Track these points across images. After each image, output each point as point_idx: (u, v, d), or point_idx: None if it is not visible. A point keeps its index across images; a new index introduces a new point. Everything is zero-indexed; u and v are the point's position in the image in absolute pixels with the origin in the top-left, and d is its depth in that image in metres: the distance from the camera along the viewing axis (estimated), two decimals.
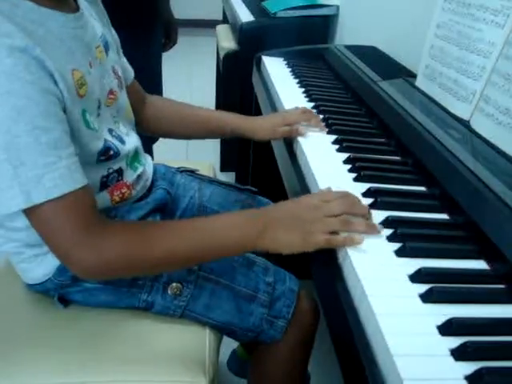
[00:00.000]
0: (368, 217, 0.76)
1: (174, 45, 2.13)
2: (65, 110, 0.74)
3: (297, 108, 1.15)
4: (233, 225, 0.80)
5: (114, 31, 1.03)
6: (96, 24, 0.92)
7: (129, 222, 0.90)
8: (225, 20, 2.98)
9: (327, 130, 1.09)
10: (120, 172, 0.92)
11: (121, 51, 1.06)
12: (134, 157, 0.97)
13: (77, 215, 0.72)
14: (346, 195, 0.78)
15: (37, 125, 0.68)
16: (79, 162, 0.74)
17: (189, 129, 1.19)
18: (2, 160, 0.67)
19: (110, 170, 0.89)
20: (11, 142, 0.67)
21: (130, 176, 0.94)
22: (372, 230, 0.73)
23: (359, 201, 0.78)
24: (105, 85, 0.90)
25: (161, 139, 2.02)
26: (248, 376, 1.10)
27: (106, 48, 0.93)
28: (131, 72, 1.11)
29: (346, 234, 0.72)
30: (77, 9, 0.84)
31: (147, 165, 1.04)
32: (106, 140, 0.87)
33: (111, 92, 0.92)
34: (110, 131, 0.90)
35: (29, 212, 0.71)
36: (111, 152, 0.87)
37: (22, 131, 0.67)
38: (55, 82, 0.72)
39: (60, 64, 0.73)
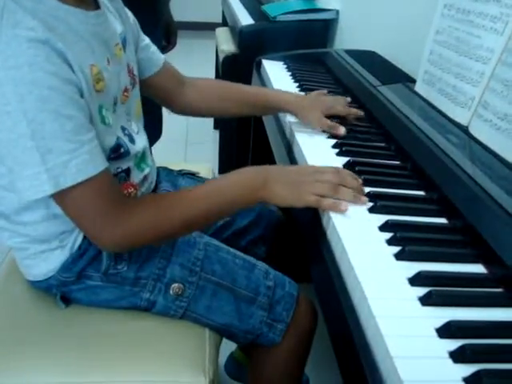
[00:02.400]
0: (359, 190, 0.83)
1: (173, 47, 2.14)
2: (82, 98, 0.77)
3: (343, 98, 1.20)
4: (239, 182, 0.87)
5: (132, 18, 1.04)
6: (116, 22, 0.94)
7: (148, 196, 0.96)
8: (224, 23, 2.99)
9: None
10: (128, 172, 0.93)
11: (142, 37, 1.08)
12: (142, 157, 0.99)
13: (102, 195, 0.77)
14: (340, 169, 0.86)
15: (61, 113, 0.71)
16: (99, 146, 0.78)
17: (242, 107, 1.22)
18: (30, 147, 0.70)
19: (119, 170, 0.91)
20: (37, 130, 0.69)
21: (136, 176, 0.96)
22: (357, 200, 0.80)
23: (355, 177, 0.84)
24: (121, 82, 0.92)
25: (160, 141, 2.04)
26: (246, 378, 1.11)
27: (124, 45, 0.95)
28: (159, 60, 1.12)
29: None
30: (97, 7, 0.86)
31: (153, 167, 1.05)
32: (118, 137, 0.89)
33: (126, 89, 0.94)
34: (123, 129, 0.92)
35: (58, 197, 0.75)
36: (122, 150, 0.89)
37: (47, 120, 0.70)
38: (74, 73, 0.75)
39: (79, 58, 0.76)
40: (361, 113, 1.15)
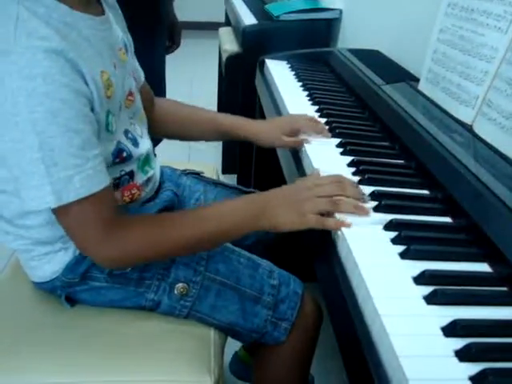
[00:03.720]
0: (362, 199, 0.81)
1: (177, 47, 2.14)
2: (92, 111, 0.77)
3: (304, 115, 1.16)
4: (233, 210, 0.85)
5: (128, 34, 1.04)
6: (116, 27, 0.94)
7: (145, 215, 0.94)
8: (227, 22, 2.98)
9: (331, 134, 1.09)
10: (131, 175, 0.93)
11: (132, 51, 1.07)
12: (146, 160, 0.99)
13: (102, 212, 0.77)
14: (339, 179, 0.84)
15: (70, 127, 0.71)
16: (103, 162, 0.78)
17: (194, 131, 1.21)
18: (36, 159, 0.70)
19: (123, 173, 0.91)
20: (45, 143, 0.70)
21: (140, 178, 0.96)
22: (360, 210, 0.78)
23: (354, 184, 0.84)
24: (125, 86, 0.92)
25: (164, 141, 2.04)
26: (251, 378, 1.11)
27: (126, 50, 0.96)
28: (141, 73, 1.12)
29: (339, 216, 0.77)
30: (102, 12, 0.87)
31: (156, 168, 1.05)
32: (119, 142, 0.88)
33: (130, 93, 0.94)
34: (126, 133, 0.92)
35: (57, 210, 0.75)
36: (124, 154, 0.89)
37: (56, 132, 0.70)
38: (86, 84, 0.75)
39: (90, 66, 0.76)
40: (326, 132, 1.09)
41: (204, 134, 1.22)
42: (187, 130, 1.21)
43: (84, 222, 0.76)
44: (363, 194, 0.83)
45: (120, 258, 0.81)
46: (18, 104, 0.68)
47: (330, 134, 1.09)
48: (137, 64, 1.10)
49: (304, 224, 0.79)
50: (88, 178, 0.73)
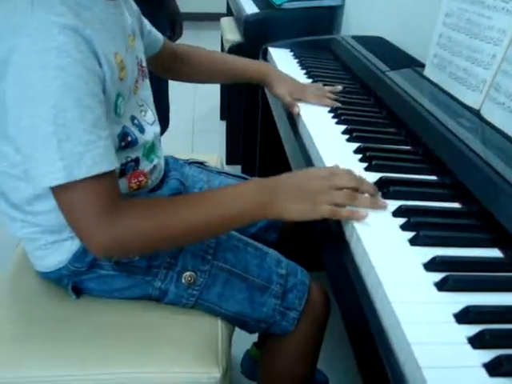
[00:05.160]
0: (375, 195, 0.77)
1: (179, 38, 2.12)
2: (104, 93, 0.77)
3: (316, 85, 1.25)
4: (241, 194, 0.80)
5: (136, 7, 1.05)
6: (126, 13, 0.93)
7: (143, 199, 0.91)
8: (229, 13, 2.97)
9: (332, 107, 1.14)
10: (137, 161, 0.92)
11: (145, 22, 1.10)
12: (151, 148, 0.97)
13: (104, 195, 0.74)
14: (354, 173, 0.79)
15: (83, 103, 0.70)
16: (112, 145, 0.76)
17: (217, 74, 1.31)
18: (49, 133, 0.69)
19: (128, 159, 0.90)
20: (58, 116, 0.69)
21: (146, 166, 0.95)
22: (377, 206, 0.75)
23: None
24: (134, 72, 0.92)
25: (167, 132, 2.03)
26: (259, 368, 1.10)
27: (135, 37, 0.95)
28: (159, 36, 1.17)
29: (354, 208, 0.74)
30: None
31: (161, 157, 1.04)
32: (125, 126, 0.88)
33: (136, 80, 0.93)
34: (133, 119, 0.91)
35: (60, 187, 0.72)
36: (129, 138, 0.88)
37: (70, 106, 0.69)
38: (100, 64, 0.75)
39: (105, 46, 0.76)
40: (334, 103, 1.16)
41: (224, 76, 1.36)
42: (208, 73, 1.29)
43: (84, 204, 0.73)
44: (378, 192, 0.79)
45: (115, 243, 0.75)
46: (33, 79, 0.68)
47: (335, 104, 1.15)
48: (153, 32, 1.13)
49: (316, 214, 0.75)
50: (99, 157, 0.72)
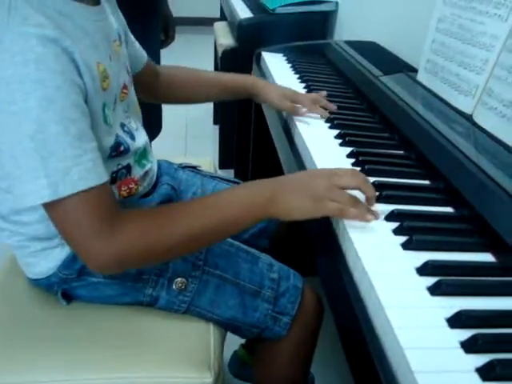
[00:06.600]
0: (373, 198, 0.76)
1: (172, 41, 2.12)
2: (86, 104, 0.74)
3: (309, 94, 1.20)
4: (242, 196, 0.79)
5: (120, 14, 1.02)
6: (112, 18, 0.92)
7: (140, 211, 0.86)
8: (222, 17, 2.97)
9: (327, 117, 1.12)
10: (128, 168, 0.91)
11: (130, 35, 1.06)
12: (143, 154, 0.97)
13: (97, 210, 0.71)
14: (356, 172, 0.78)
15: (66, 115, 0.68)
16: (101, 158, 0.74)
17: (203, 92, 1.24)
18: (31, 149, 0.66)
19: (120, 166, 0.89)
20: (40, 131, 0.66)
21: (137, 172, 0.94)
22: (375, 216, 0.73)
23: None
24: (120, 79, 0.90)
25: (160, 136, 2.03)
26: (251, 376, 1.10)
27: (121, 42, 0.94)
28: (144, 53, 1.13)
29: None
30: (98, 2, 0.84)
31: (154, 162, 1.03)
32: (117, 135, 0.86)
33: (125, 86, 0.92)
34: (122, 126, 0.90)
35: (50, 204, 0.70)
36: (122, 148, 0.87)
37: (51, 120, 0.67)
38: (80, 75, 0.72)
39: (86, 56, 0.74)
40: (326, 114, 1.13)
41: (209, 95, 1.28)
42: (199, 92, 1.24)
43: (78, 219, 0.71)
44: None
45: (113, 259, 0.73)
46: (12, 92, 0.66)
47: (327, 115, 1.12)
48: (137, 47, 1.10)
49: (320, 211, 0.73)
50: (87, 171, 0.69)
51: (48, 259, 0.88)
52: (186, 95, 1.24)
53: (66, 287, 0.91)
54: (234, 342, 1.03)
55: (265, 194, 0.76)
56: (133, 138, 0.93)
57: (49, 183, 0.67)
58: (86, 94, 0.74)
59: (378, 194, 0.79)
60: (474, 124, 0.94)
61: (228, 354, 1.43)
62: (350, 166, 0.90)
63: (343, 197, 0.73)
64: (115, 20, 0.94)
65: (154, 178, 1.03)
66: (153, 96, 1.21)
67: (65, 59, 0.69)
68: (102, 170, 0.73)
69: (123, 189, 0.90)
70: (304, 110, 1.12)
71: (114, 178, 0.88)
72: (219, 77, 1.26)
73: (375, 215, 0.73)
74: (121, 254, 0.73)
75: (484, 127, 0.92)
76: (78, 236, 0.72)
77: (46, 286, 0.92)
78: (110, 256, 0.73)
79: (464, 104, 0.99)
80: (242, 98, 1.25)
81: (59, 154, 0.67)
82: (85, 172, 0.69)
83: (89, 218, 0.71)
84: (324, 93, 1.19)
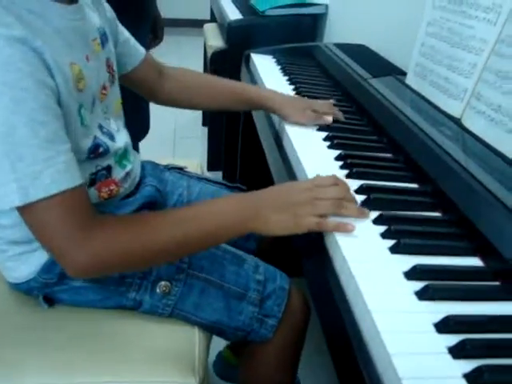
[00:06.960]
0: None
1: (160, 42, 2.11)
2: (60, 105, 0.72)
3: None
4: (223, 210, 0.78)
5: (110, 11, 1.00)
6: (94, 15, 0.90)
7: (119, 216, 0.86)
8: (212, 19, 2.96)
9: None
10: (108, 169, 0.89)
11: (121, 30, 1.04)
12: (123, 154, 0.95)
13: (72, 213, 0.70)
14: (339, 182, 0.78)
15: (35, 118, 0.66)
16: (75, 160, 0.72)
17: (215, 99, 1.18)
18: (0, 153, 0.65)
19: (99, 168, 0.87)
20: (8, 135, 0.65)
21: (118, 173, 0.92)
22: (363, 215, 0.74)
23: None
24: (99, 79, 0.88)
25: (147, 137, 2.01)
26: (236, 378, 1.09)
27: (103, 40, 0.91)
28: (141, 49, 1.10)
29: (338, 219, 0.72)
30: (75, 1, 0.82)
31: (136, 162, 1.01)
32: (95, 137, 0.84)
33: (104, 87, 0.90)
34: (101, 127, 0.88)
35: (23, 208, 0.68)
36: (101, 149, 0.85)
37: (20, 123, 0.65)
38: (52, 76, 0.70)
39: (59, 57, 0.71)
40: (342, 118, 1.11)
41: (222, 103, 1.19)
42: (210, 99, 1.18)
43: (51, 223, 0.69)
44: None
45: (89, 264, 0.72)
46: None
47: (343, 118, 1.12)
48: (131, 46, 1.07)
49: (301, 227, 0.73)
50: (59, 173, 0.67)
51: (27, 263, 0.86)
52: (198, 103, 1.20)
53: (47, 291, 0.89)
54: (219, 342, 1.02)
55: (246, 210, 0.77)
56: (112, 138, 0.91)
57: (18, 187, 0.66)
58: (59, 96, 0.72)
59: (365, 197, 0.78)
60: (463, 128, 0.94)
61: (213, 354, 1.42)
62: (338, 169, 0.89)
63: (325, 207, 0.73)
64: (99, 17, 0.92)
65: (137, 179, 1.01)
66: (155, 96, 1.16)
67: (34, 60, 0.67)
68: (75, 173, 0.71)
69: (104, 190, 0.88)
70: (329, 118, 1.09)
71: (94, 180, 0.86)
72: (231, 83, 1.20)
73: (364, 214, 0.74)
74: (97, 259, 0.72)
75: (472, 131, 0.91)
76: (52, 240, 0.71)
77: (25, 290, 0.90)
78: (86, 261, 0.71)
79: (453, 108, 0.99)
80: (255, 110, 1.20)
81: (29, 158, 0.66)
82: (57, 174, 0.67)
83: (62, 222, 0.69)
84: (332, 101, 1.18)
